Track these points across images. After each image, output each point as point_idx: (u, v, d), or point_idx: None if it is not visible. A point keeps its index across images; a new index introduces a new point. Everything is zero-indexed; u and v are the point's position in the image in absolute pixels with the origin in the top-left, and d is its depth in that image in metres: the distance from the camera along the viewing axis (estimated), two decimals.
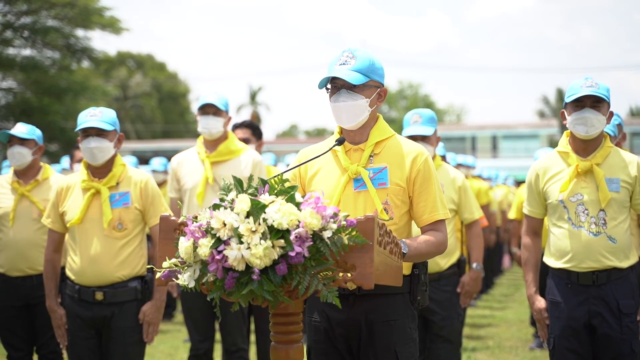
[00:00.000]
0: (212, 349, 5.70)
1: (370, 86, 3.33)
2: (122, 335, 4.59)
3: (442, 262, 5.35)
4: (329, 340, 3.38)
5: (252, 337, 7.16)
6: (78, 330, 4.63)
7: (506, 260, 17.14)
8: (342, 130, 3.45)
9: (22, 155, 5.39)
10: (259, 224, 2.65)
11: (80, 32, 28.44)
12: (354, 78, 3.26)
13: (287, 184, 2.81)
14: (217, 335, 6.09)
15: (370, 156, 3.36)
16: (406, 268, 3.35)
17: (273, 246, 2.63)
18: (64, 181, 4.75)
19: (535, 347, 8.64)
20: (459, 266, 5.53)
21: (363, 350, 3.32)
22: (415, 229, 3.50)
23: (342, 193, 3.33)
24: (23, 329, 5.46)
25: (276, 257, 2.63)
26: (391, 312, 3.31)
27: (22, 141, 5.40)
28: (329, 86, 3.36)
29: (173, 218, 2.98)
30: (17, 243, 5.34)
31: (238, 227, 2.65)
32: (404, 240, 3.18)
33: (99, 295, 4.57)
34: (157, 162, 11.05)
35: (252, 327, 6.63)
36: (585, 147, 4.28)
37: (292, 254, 2.63)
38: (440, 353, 5.35)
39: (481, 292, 12.88)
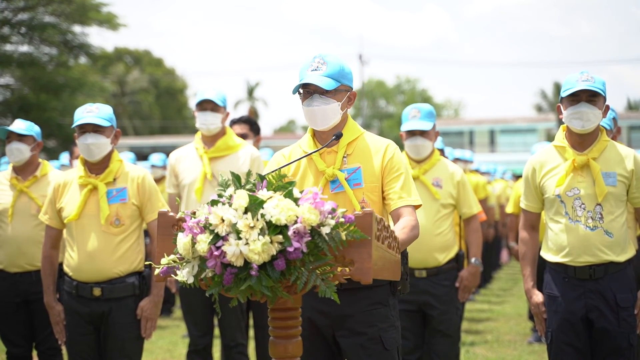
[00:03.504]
0: (211, 344, 5.71)
1: (341, 90, 3.47)
2: (120, 331, 4.60)
3: (440, 257, 5.35)
4: (314, 327, 3.50)
5: (252, 332, 7.17)
6: (76, 326, 4.64)
7: (504, 254, 17.16)
8: (314, 133, 3.60)
9: (20, 152, 5.39)
10: (257, 219, 2.65)
11: (77, 29, 28.49)
12: (327, 83, 3.40)
13: (285, 180, 2.81)
14: (216, 331, 6.10)
15: (344, 157, 3.51)
16: None
17: (271, 242, 2.63)
18: (61, 177, 4.76)
19: (533, 341, 8.66)
20: (458, 261, 5.53)
21: (349, 339, 3.45)
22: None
23: None
24: (22, 325, 5.46)
25: (274, 253, 2.64)
26: (372, 302, 3.45)
27: (21, 137, 5.40)
28: (301, 90, 3.49)
29: (171, 214, 2.99)
30: (16, 239, 5.34)
31: (236, 223, 2.66)
32: None
33: (97, 291, 4.57)
34: (156, 158, 11.05)
35: (251, 322, 6.64)
36: (581, 141, 4.28)
37: (291, 249, 2.63)
38: (439, 348, 5.36)
39: (479, 287, 12.89)
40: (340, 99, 3.46)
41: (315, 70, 3.44)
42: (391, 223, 3.56)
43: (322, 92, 3.42)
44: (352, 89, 3.53)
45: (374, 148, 3.52)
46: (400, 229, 3.34)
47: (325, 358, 3.54)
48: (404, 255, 3.48)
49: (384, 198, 3.51)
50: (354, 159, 3.50)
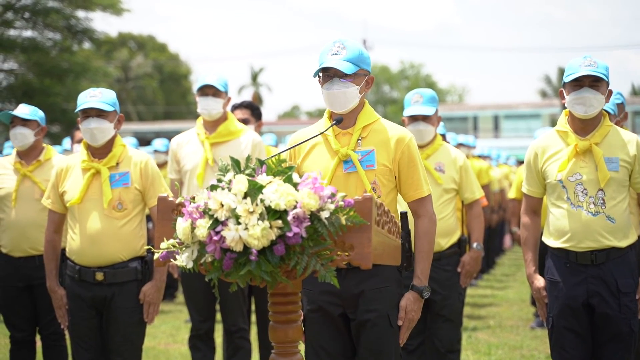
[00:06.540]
0: (213, 329, 5.73)
1: (360, 74, 3.58)
2: (122, 316, 4.61)
3: (442, 242, 5.34)
4: (323, 309, 3.56)
5: (254, 318, 7.18)
6: (79, 310, 4.65)
7: (507, 240, 17.14)
8: (332, 115, 3.66)
9: (24, 136, 5.39)
10: (257, 204, 2.65)
11: (81, 14, 28.41)
12: (346, 67, 3.51)
13: (284, 165, 2.81)
14: (218, 316, 6.12)
15: (358, 139, 3.60)
16: None
17: (271, 227, 2.64)
18: (64, 162, 4.76)
19: (536, 327, 8.67)
20: (460, 246, 5.53)
21: (359, 316, 3.52)
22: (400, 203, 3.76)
23: (333, 174, 3.55)
24: (25, 309, 5.48)
25: (274, 238, 2.65)
26: (381, 280, 3.53)
27: (25, 122, 5.40)
28: (320, 74, 3.58)
29: (171, 199, 2.99)
30: (20, 223, 5.35)
31: (235, 208, 2.66)
32: (416, 275, 3.60)
33: (99, 276, 4.58)
34: (159, 143, 11.04)
35: (254, 307, 6.65)
36: (584, 126, 4.26)
37: (290, 234, 2.64)
38: (441, 332, 5.36)
39: (482, 272, 12.89)
40: (359, 82, 3.56)
41: (335, 54, 3.53)
42: (399, 207, 3.68)
43: (342, 76, 3.52)
44: (370, 73, 3.65)
45: (389, 135, 3.61)
46: (420, 238, 3.62)
47: (337, 338, 3.59)
48: (407, 233, 3.59)
49: (399, 185, 3.63)
50: (368, 142, 3.60)
